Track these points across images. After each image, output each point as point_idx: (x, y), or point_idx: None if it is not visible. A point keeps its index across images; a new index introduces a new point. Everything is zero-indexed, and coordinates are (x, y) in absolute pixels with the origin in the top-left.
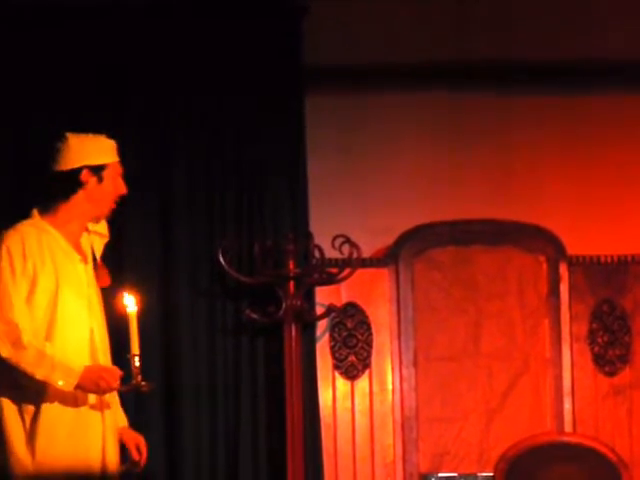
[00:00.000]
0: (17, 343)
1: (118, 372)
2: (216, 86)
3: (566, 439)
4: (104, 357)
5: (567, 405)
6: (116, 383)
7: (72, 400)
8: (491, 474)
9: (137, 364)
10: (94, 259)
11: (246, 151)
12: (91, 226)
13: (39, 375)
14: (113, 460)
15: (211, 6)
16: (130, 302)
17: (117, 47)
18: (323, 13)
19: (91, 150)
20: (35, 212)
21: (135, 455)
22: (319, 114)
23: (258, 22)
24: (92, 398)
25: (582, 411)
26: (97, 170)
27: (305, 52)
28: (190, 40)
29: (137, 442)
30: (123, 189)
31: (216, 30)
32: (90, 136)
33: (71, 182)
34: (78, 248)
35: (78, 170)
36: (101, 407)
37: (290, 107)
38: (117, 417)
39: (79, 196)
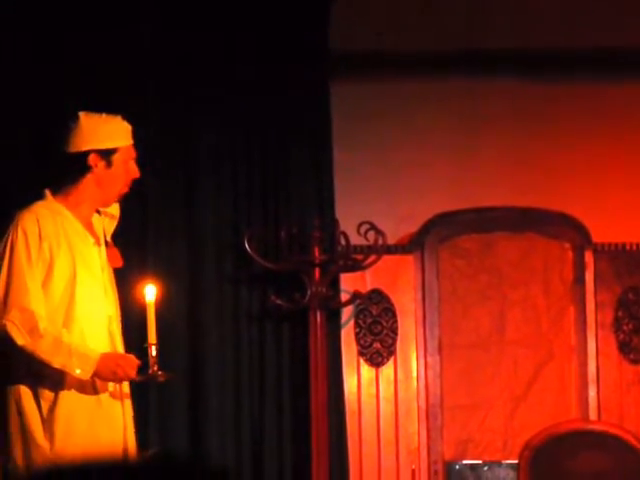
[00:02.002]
0: (34, 331)
1: (135, 360)
2: (242, 73)
3: (591, 427)
4: (120, 343)
5: (592, 393)
6: (133, 372)
7: (91, 388)
8: (516, 462)
9: (154, 353)
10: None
11: (272, 138)
12: (103, 207)
13: (56, 363)
14: (134, 448)
15: None
16: (149, 292)
17: (141, 26)
18: (350, 1)
19: (101, 133)
20: (48, 193)
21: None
22: (345, 101)
23: (285, 9)
24: (112, 386)
25: (607, 399)
26: (106, 154)
27: (332, 40)
28: (215, 24)
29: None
30: (136, 173)
31: (242, 17)
32: (103, 117)
33: (79, 165)
34: (91, 230)
35: (86, 153)
36: (121, 396)
37: (316, 94)
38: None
39: (88, 179)
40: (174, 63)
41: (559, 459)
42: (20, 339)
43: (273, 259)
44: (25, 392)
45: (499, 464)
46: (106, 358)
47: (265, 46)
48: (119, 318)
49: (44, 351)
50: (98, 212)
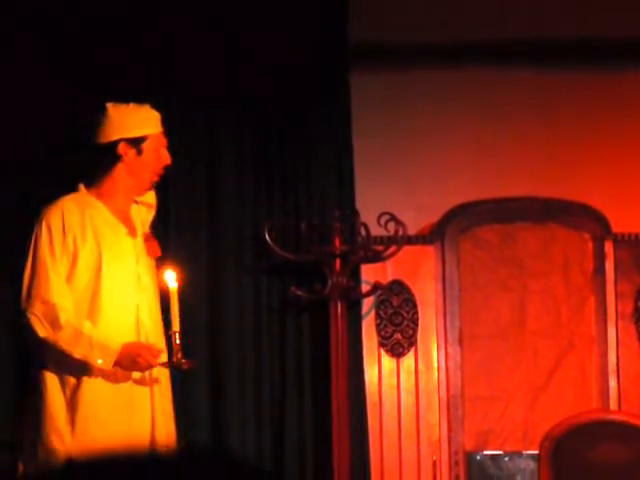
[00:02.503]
0: (55, 323)
1: (158, 349)
2: (262, 65)
3: (611, 417)
4: (153, 333)
5: (612, 383)
6: (155, 360)
7: (113, 375)
8: (536, 452)
9: (177, 341)
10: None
11: (293, 129)
12: (139, 197)
13: (77, 354)
14: (166, 436)
15: None
16: (170, 278)
17: (164, 21)
18: None
19: (129, 122)
20: (81, 186)
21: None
22: (365, 92)
23: (304, 1)
24: (137, 374)
25: (627, 389)
26: (136, 142)
27: (351, 30)
28: (236, 18)
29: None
30: (167, 160)
31: (262, 9)
32: (131, 107)
33: (110, 155)
34: (126, 221)
35: (115, 143)
36: (150, 383)
37: (336, 85)
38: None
39: (119, 169)
40: (194, 57)
41: (580, 449)
42: (42, 331)
43: (293, 250)
44: (50, 377)
45: (520, 455)
46: (127, 348)
47: (285, 38)
48: (155, 306)
49: (65, 342)
50: (135, 202)
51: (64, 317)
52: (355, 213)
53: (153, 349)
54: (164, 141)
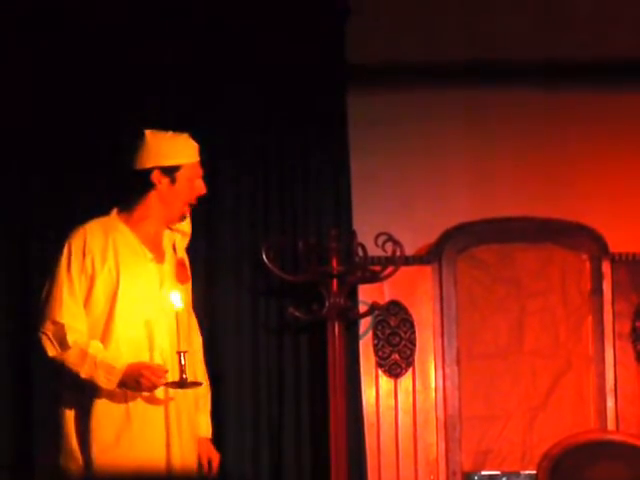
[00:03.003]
0: (63, 343)
1: (162, 369)
2: (260, 85)
3: (609, 437)
4: (171, 356)
5: (610, 403)
6: (159, 381)
7: (121, 396)
8: (534, 472)
9: (183, 362)
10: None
11: (290, 149)
12: (172, 225)
13: (83, 374)
14: (183, 457)
15: (256, 5)
16: (176, 299)
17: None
18: (367, 11)
19: (165, 150)
20: (114, 211)
21: (205, 469)
22: (363, 112)
23: (302, 21)
24: (150, 397)
25: (625, 409)
26: (170, 171)
27: (349, 49)
28: (235, 38)
29: (210, 456)
30: (202, 190)
31: (261, 29)
32: (169, 135)
33: (144, 182)
34: (154, 247)
35: (150, 170)
36: (166, 402)
37: (334, 105)
38: (199, 425)
39: (152, 196)
40: (193, 73)
41: (578, 469)
42: (51, 350)
43: (291, 270)
44: (67, 400)
45: (518, 475)
46: (131, 368)
47: (282, 56)
48: (178, 331)
49: (71, 362)
50: (170, 229)
51: (72, 337)
52: (352, 233)
53: (157, 370)
54: (200, 171)
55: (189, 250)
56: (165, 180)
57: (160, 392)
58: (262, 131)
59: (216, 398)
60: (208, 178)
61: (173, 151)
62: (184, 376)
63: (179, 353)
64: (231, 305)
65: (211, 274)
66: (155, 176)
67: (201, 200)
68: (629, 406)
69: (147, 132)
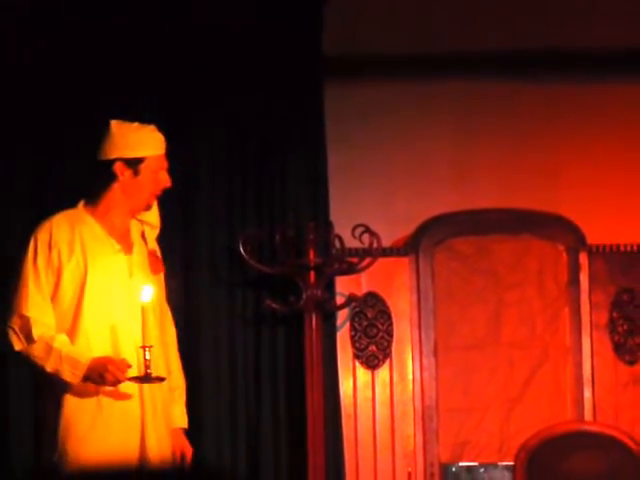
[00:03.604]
0: (29, 337)
1: (126, 363)
2: (236, 77)
3: (586, 428)
4: (132, 348)
5: (587, 394)
6: (123, 375)
7: (93, 390)
8: (512, 463)
9: (147, 356)
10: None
11: (267, 141)
12: (142, 216)
13: (49, 368)
14: (159, 448)
15: None
16: (146, 293)
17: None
18: (344, 2)
19: (129, 142)
20: (81, 203)
21: (177, 460)
22: (340, 103)
23: (277, 12)
24: (125, 388)
25: (602, 400)
26: (133, 163)
27: (326, 41)
28: (211, 30)
29: (182, 448)
30: (166, 183)
31: (237, 21)
32: (134, 126)
33: (108, 173)
34: (121, 238)
35: (112, 162)
36: (141, 399)
37: (311, 97)
38: (174, 415)
39: (115, 188)
40: (171, 69)
41: (555, 461)
42: (17, 344)
43: (268, 262)
44: (44, 397)
45: (495, 466)
46: (95, 362)
47: (258, 50)
48: (143, 326)
49: (37, 356)
50: (139, 220)
51: (38, 331)
52: (329, 225)
53: (121, 364)
54: (164, 164)
55: (166, 242)
56: (128, 172)
57: (134, 385)
58: (239, 124)
59: (193, 390)
60: (185, 171)
61: (137, 143)
62: (148, 371)
63: (143, 348)
64: (208, 297)
65: (188, 267)
66: (118, 167)
67: (178, 193)
68: (606, 397)
69: (112, 122)
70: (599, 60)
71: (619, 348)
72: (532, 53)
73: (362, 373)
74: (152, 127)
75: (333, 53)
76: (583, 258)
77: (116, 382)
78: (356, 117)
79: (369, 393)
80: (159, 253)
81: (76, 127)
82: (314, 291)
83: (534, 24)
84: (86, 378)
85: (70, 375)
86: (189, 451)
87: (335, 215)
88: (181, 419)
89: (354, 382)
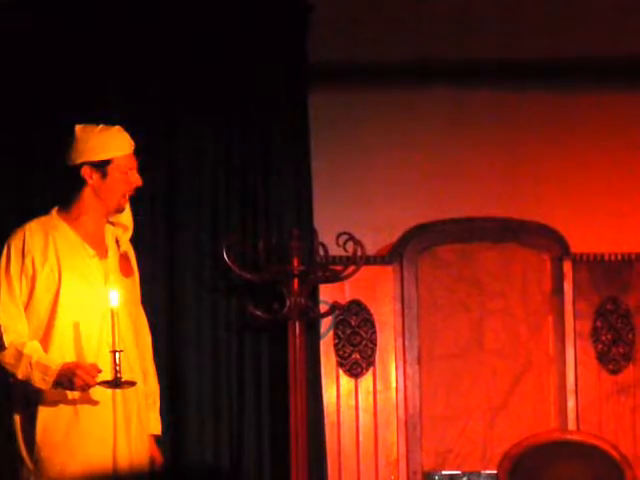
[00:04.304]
0: (0, 344)
1: (96, 368)
2: (221, 82)
3: (570, 437)
4: (107, 354)
5: (571, 403)
6: (93, 380)
7: (68, 397)
8: (495, 472)
9: (117, 361)
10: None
11: (251, 148)
12: (114, 218)
13: (20, 374)
14: (131, 454)
15: (217, 3)
16: (113, 297)
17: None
18: (328, 10)
19: (93, 145)
20: (54, 210)
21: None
22: (323, 111)
23: (263, 19)
24: (98, 395)
25: (586, 409)
26: (100, 166)
27: (310, 49)
28: (196, 36)
29: (153, 454)
30: (137, 182)
31: (222, 27)
32: (98, 129)
33: (77, 179)
34: (96, 243)
35: (79, 166)
36: (113, 403)
37: (295, 103)
38: (149, 422)
39: (86, 192)
40: (155, 68)
41: (538, 469)
42: None
43: (252, 270)
44: (16, 406)
45: (478, 474)
46: (65, 368)
47: (244, 56)
48: (126, 325)
49: (7, 363)
50: (112, 223)
51: (9, 338)
52: (313, 233)
53: (90, 369)
54: (134, 163)
55: (149, 248)
56: (96, 175)
57: (107, 391)
58: (223, 130)
59: (176, 398)
60: (169, 176)
61: (102, 145)
62: (118, 375)
63: (113, 352)
64: (192, 304)
65: (172, 273)
66: (85, 172)
67: (162, 199)
68: (590, 406)
69: (77, 127)
70: (583, 69)
71: (603, 357)
72: (516, 62)
73: (345, 381)
74: (117, 127)
75: (317, 60)
76: (567, 267)
77: (85, 387)
78: (340, 124)
79: (352, 401)
80: (131, 255)
81: (50, 132)
82: (298, 299)
83: (519, 33)
84: (57, 384)
85: (41, 381)
86: (159, 458)
87: (319, 223)
88: (155, 426)
89: (337, 390)
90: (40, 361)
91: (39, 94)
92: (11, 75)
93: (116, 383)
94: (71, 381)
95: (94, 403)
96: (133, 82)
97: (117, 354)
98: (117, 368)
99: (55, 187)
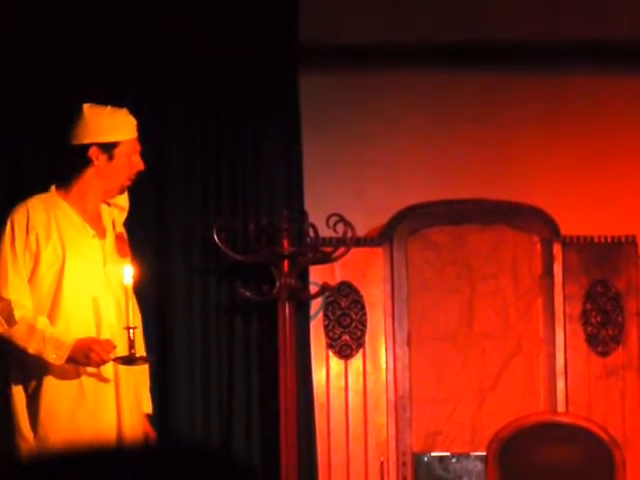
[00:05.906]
0: (10, 319)
1: (111, 344)
2: (211, 64)
3: (559, 419)
4: (120, 331)
5: (560, 385)
6: (108, 356)
7: (74, 373)
8: (484, 454)
9: (132, 337)
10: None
11: (241, 129)
12: (112, 199)
13: (31, 349)
14: (133, 431)
15: None
16: (127, 274)
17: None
18: None
19: (103, 126)
20: (53, 187)
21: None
22: (315, 92)
23: (253, 1)
24: (101, 371)
25: (575, 391)
26: (107, 148)
27: (301, 29)
28: (185, 15)
29: (147, 432)
30: (139, 166)
31: (211, 10)
32: (107, 110)
33: (81, 158)
34: (94, 223)
35: (87, 146)
36: (116, 380)
37: (286, 85)
38: (141, 402)
39: (90, 173)
40: (146, 55)
41: (527, 451)
42: None
43: (242, 251)
44: (16, 386)
45: (467, 456)
46: (80, 343)
47: (233, 39)
48: (127, 307)
49: (19, 338)
50: (108, 204)
51: (19, 313)
52: (304, 214)
53: (106, 344)
54: (137, 147)
55: (139, 230)
56: (103, 157)
57: (109, 368)
58: (213, 112)
59: (165, 379)
60: (159, 158)
61: (111, 127)
62: (133, 351)
63: (128, 328)
64: (181, 285)
65: (161, 254)
66: (93, 153)
67: (152, 180)
68: (579, 388)
69: (85, 106)
70: (573, 51)
71: (592, 339)
72: (506, 45)
73: (335, 362)
74: (124, 110)
75: (308, 41)
76: (557, 249)
77: (101, 362)
78: (331, 106)
79: (342, 383)
80: (126, 237)
81: (47, 110)
82: (288, 280)
83: (507, 15)
84: (70, 359)
85: (54, 356)
86: (152, 434)
87: (309, 204)
88: (146, 405)
89: (327, 372)
90: (53, 336)
91: (35, 70)
92: (6, 51)
93: (131, 359)
94: (87, 356)
95: (101, 380)
96: (124, 63)
97: (131, 330)
98: (132, 344)
99: (49, 165)
